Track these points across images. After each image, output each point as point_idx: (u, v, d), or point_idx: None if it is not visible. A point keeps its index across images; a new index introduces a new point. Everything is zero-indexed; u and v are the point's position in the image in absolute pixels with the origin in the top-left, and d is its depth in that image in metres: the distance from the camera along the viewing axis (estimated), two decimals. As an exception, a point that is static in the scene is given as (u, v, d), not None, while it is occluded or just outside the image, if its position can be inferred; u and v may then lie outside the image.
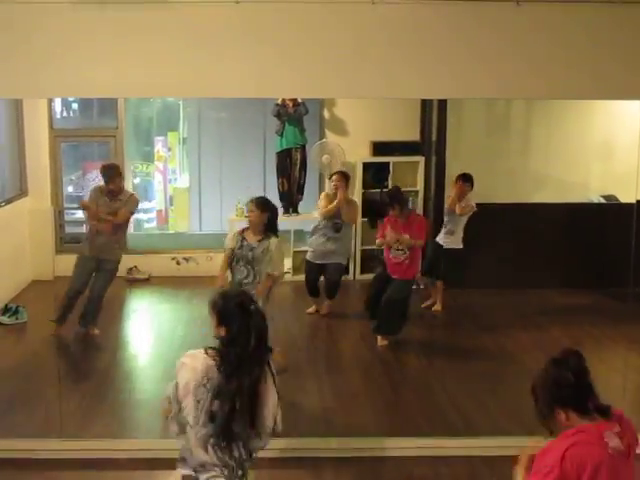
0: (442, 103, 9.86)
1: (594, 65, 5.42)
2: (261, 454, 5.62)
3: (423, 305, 9.08)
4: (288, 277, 10.53)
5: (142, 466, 5.59)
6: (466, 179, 8.77)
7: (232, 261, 6.79)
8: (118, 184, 8.00)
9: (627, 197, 10.13)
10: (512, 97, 8.82)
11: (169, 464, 5.56)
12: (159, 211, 11.52)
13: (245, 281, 6.70)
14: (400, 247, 7.90)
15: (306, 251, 9.85)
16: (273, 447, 5.72)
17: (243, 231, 6.89)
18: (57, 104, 11.00)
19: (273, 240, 6.73)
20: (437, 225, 9.50)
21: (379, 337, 8.04)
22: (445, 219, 8.98)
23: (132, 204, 8.15)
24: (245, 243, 6.77)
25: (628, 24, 5.37)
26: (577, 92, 5.71)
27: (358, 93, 5.88)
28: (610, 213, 10.02)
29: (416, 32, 5.30)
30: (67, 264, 9.75)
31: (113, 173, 8.02)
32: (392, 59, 5.30)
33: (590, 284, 9.60)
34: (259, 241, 6.72)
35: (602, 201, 10.40)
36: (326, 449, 5.78)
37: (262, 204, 6.80)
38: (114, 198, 7.99)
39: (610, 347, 8.05)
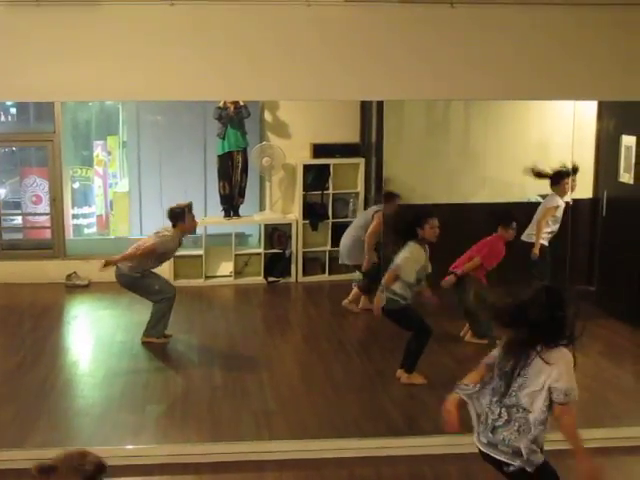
0: (380, 104, 9.89)
1: (528, 65, 5.51)
2: (202, 459, 5.66)
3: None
4: (230, 280, 10.55)
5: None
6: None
7: None
8: None
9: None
10: (447, 98, 8.88)
11: (110, 471, 5.54)
12: (99, 216, 11.40)
13: None
14: None
15: (247, 254, 9.89)
16: (213, 452, 5.76)
17: None
18: (-6, 108, 10.86)
19: None
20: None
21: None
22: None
23: None
24: None
25: (589, 24, 5.48)
26: (511, 92, 5.77)
27: (294, 95, 5.92)
28: (547, 212, 10.13)
29: (351, 33, 5.32)
30: (3, 272, 9.65)
31: None
32: (327, 61, 5.31)
33: (528, 281, 9.69)
34: None
35: (539, 200, 10.52)
36: (268, 452, 5.77)
37: None
38: None
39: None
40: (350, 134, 10.71)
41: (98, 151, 11.35)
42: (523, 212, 9.75)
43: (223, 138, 10.43)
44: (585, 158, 9.69)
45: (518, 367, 4.07)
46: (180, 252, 10.42)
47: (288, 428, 6.26)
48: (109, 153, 11.43)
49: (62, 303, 9.08)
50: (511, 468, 4.06)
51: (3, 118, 11.32)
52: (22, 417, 6.39)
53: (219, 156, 10.55)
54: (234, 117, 10.35)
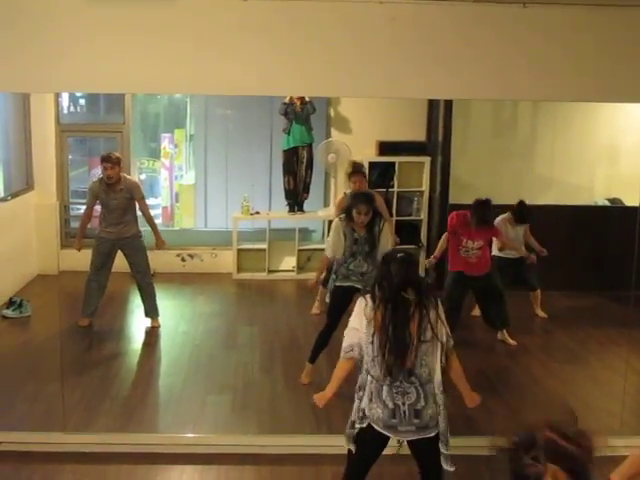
0: (448, 103, 9.85)
1: (600, 67, 5.42)
2: (261, 451, 5.70)
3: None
4: (292, 275, 10.61)
5: (143, 460, 5.62)
6: None
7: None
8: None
9: (632, 200, 10.14)
10: (515, 99, 8.82)
11: (170, 458, 5.64)
12: (165, 208, 11.54)
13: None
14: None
15: (310, 249, 9.85)
16: (272, 444, 5.80)
17: None
18: (64, 99, 11.05)
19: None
20: (442, 226, 9.51)
21: (507, 336, 8.25)
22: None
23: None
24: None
25: (636, 26, 5.38)
26: (581, 94, 5.70)
27: (364, 92, 5.87)
28: (614, 216, 10.01)
29: (422, 32, 5.30)
30: (72, 259, 9.82)
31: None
32: (397, 59, 5.30)
33: (594, 286, 9.61)
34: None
35: (607, 204, 10.39)
36: (326, 446, 5.77)
37: None
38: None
39: (612, 350, 8.05)
40: (417, 132, 10.67)
41: (165, 143, 11.50)
42: (590, 215, 9.66)
43: (288, 133, 10.49)
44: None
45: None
46: (244, 245, 10.60)
47: (347, 423, 6.26)
48: (176, 146, 11.56)
49: (127, 292, 9.19)
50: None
51: (73, 109, 11.52)
52: (86, 402, 6.53)
53: (284, 151, 10.61)
54: (300, 113, 10.39)
